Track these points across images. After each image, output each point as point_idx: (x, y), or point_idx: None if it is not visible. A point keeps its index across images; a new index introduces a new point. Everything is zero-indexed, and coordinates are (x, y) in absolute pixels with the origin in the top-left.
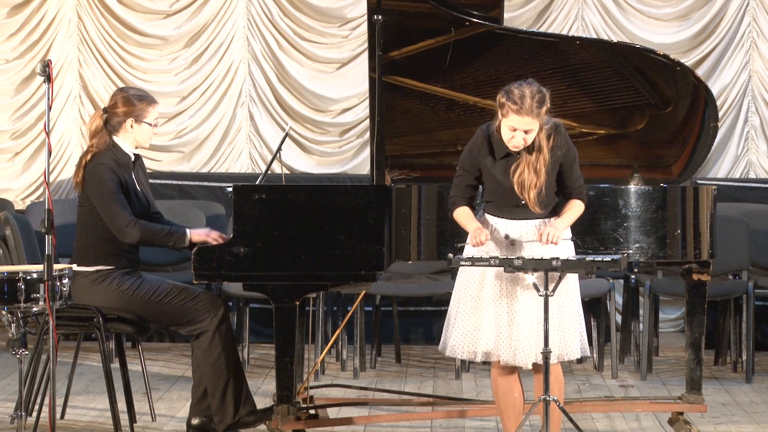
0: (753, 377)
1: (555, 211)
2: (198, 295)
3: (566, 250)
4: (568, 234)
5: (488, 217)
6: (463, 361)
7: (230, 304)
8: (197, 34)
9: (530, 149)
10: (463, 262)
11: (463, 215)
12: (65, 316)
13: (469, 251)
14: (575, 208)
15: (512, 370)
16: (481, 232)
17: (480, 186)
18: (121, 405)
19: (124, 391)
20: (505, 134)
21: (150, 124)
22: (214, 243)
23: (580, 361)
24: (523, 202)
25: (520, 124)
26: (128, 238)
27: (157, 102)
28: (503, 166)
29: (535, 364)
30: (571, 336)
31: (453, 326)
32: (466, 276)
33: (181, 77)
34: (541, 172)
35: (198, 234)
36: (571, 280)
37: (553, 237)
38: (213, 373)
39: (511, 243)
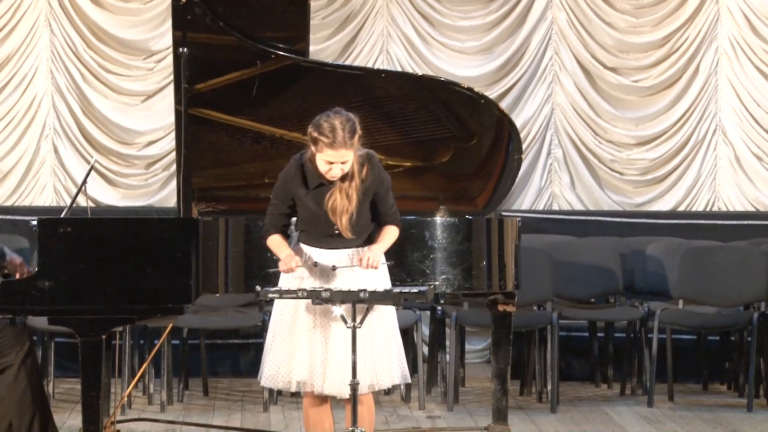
0: (558, 407)
1: (370, 240)
2: (2, 330)
3: (383, 275)
4: (383, 258)
5: (302, 246)
6: (271, 394)
7: (35, 338)
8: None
9: (343, 177)
10: (270, 295)
11: (275, 243)
12: None
13: (283, 280)
14: (390, 233)
15: (324, 400)
16: (291, 258)
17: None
18: None
19: None
20: (322, 167)
21: None
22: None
23: (387, 392)
24: (336, 231)
25: (336, 158)
26: None
27: None
28: (316, 196)
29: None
30: (383, 365)
31: (269, 356)
32: (281, 306)
33: None
34: (353, 198)
35: None
36: (385, 308)
37: (373, 261)
38: (18, 408)
39: (333, 269)
